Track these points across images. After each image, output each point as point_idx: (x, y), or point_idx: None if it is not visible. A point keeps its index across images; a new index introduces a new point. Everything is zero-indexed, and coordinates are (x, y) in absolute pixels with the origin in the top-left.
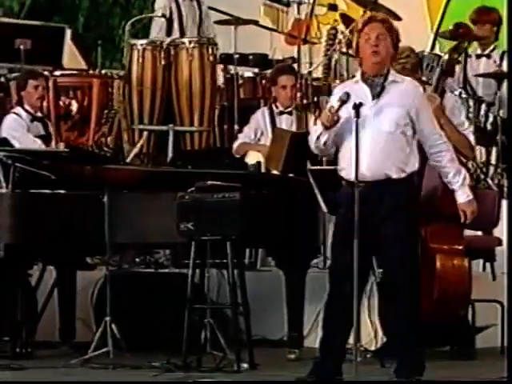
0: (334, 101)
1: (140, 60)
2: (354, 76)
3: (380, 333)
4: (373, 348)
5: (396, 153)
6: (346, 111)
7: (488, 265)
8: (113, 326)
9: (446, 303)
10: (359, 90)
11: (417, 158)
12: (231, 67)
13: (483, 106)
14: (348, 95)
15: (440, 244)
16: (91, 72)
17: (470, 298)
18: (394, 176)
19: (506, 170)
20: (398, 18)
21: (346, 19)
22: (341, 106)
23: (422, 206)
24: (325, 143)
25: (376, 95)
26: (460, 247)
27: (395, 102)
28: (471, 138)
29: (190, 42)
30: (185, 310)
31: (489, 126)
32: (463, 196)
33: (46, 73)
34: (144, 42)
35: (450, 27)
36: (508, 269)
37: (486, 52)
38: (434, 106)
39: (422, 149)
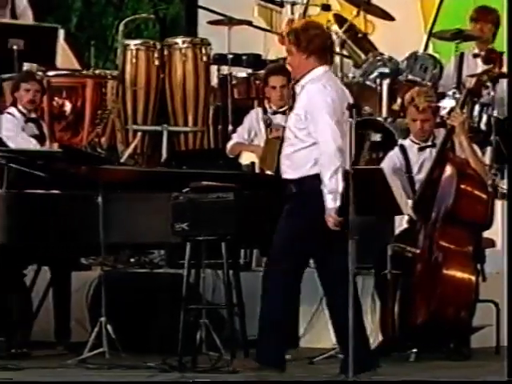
0: None
1: (133, 60)
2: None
3: (375, 334)
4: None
5: (292, 157)
6: None
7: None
8: (108, 326)
9: (448, 304)
10: None
11: (317, 159)
12: (225, 67)
13: (477, 107)
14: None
15: (449, 244)
16: (85, 72)
17: (475, 300)
18: (289, 177)
19: (500, 170)
20: (391, 18)
21: (340, 19)
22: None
23: (437, 206)
24: None
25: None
26: (468, 250)
27: (295, 108)
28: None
29: (183, 43)
30: (180, 311)
31: (483, 127)
32: (326, 203)
33: (39, 73)
34: (138, 42)
35: (482, 52)
36: (508, 269)
37: (484, 52)
38: (458, 122)
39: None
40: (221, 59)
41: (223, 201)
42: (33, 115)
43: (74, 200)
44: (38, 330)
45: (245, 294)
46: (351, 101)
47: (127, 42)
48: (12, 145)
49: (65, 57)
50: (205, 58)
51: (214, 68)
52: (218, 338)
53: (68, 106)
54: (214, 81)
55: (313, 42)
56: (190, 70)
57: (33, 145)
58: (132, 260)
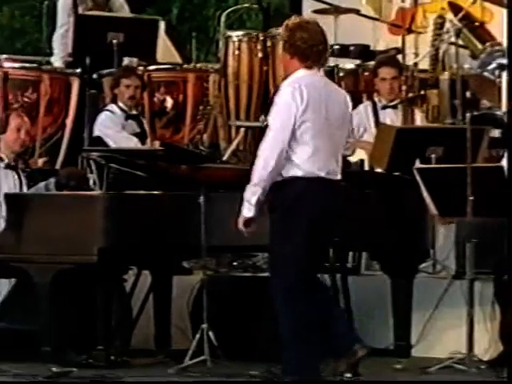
0: None
1: (236, 52)
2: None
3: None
4: (487, 358)
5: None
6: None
7: None
8: (210, 333)
9: None
10: None
11: (296, 163)
12: (331, 59)
13: None
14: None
15: None
16: (186, 66)
17: None
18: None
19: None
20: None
21: (455, 7)
22: None
23: None
24: None
25: None
26: None
27: None
28: None
29: None
30: None
31: None
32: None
33: (140, 68)
34: (240, 33)
35: None
36: (508, 270)
37: None
38: None
39: None
40: None
41: None
42: (133, 112)
43: (174, 200)
44: (138, 338)
45: (353, 300)
46: (342, 110)
47: (229, 33)
48: (112, 143)
49: (165, 50)
50: None
51: None
52: None
53: (169, 102)
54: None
55: (295, 45)
56: None
57: (133, 143)
58: (235, 263)
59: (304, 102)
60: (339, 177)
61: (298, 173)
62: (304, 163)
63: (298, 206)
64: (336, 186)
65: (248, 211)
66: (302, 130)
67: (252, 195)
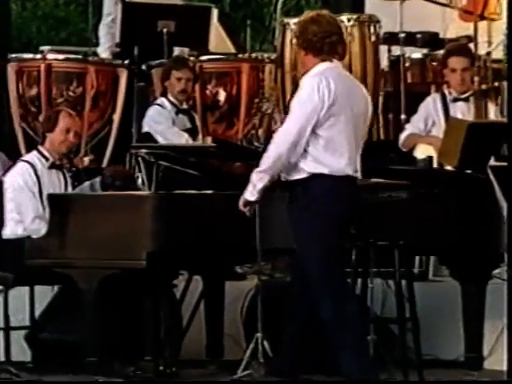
0: None
1: (294, 41)
2: None
3: None
4: None
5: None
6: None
7: None
8: (264, 342)
9: None
10: None
11: (321, 160)
12: (397, 48)
13: None
14: None
15: None
16: (240, 56)
17: None
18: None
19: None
20: None
21: None
22: None
23: None
24: None
25: None
26: None
27: None
28: None
29: (348, 20)
30: None
31: None
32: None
33: (191, 58)
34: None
35: None
36: (508, 270)
37: None
38: None
39: None
40: (392, 38)
41: (395, 200)
42: (184, 106)
43: (228, 200)
44: (189, 347)
45: (419, 308)
46: (364, 104)
47: (286, 20)
48: (162, 140)
49: (218, 39)
50: (373, 38)
51: (383, 49)
52: (389, 357)
53: (222, 95)
54: (384, 63)
55: (308, 39)
56: (356, 52)
57: (184, 139)
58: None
59: (331, 96)
60: (359, 174)
61: (325, 170)
62: (330, 160)
63: (329, 206)
64: (356, 183)
65: (251, 195)
66: (328, 125)
67: (259, 181)
